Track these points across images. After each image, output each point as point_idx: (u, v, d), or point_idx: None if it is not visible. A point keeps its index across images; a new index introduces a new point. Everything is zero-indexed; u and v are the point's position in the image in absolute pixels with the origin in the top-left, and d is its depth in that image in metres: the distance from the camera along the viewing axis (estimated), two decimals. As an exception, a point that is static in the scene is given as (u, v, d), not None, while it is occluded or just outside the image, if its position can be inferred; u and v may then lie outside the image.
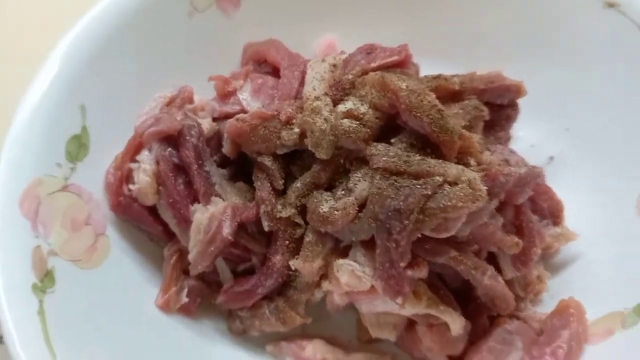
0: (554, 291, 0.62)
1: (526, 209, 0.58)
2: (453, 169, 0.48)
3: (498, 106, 0.61)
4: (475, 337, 0.57)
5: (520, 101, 0.64)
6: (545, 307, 0.61)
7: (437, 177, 0.48)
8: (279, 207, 0.56)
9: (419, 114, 0.48)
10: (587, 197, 0.66)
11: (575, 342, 0.56)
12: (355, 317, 0.61)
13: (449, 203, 0.47)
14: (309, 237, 0.55)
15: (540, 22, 0.68)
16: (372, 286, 0.52)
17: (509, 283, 0.57)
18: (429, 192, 0.47)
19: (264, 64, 0.66)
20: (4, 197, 0.50)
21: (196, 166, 0.56)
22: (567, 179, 0.67)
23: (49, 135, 0.55)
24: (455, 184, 0.48)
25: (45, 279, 0.49)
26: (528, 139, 0.70)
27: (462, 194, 0.47)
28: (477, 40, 0.72)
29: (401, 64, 0.57)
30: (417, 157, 0.49)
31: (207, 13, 0.67)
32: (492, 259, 0.57)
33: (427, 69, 0.63)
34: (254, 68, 0.66)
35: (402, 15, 0.73)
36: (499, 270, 0.57)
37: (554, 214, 0.63)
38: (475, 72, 0.63)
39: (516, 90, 0.61)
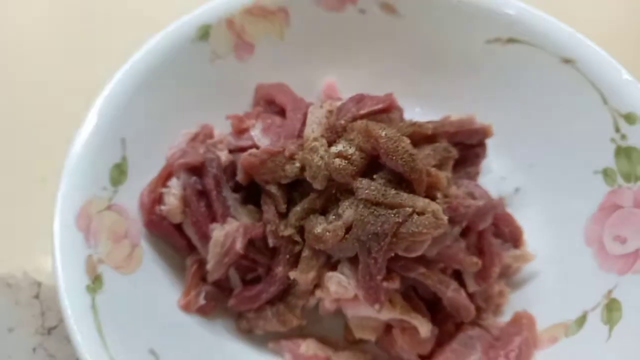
0: (514, 304, 0.69)
1: (488, 234, 0.66)
2: (420, 202, 0.55)
3: (468, 145, 0.70)
4: (442, 340, 0.63)
5: (494, 139, 0.73)
6: (507, 317, 0.66)
7: (408, 208, 0.54)
8: (282, 227, 0.60)
9: (394, 158, 0.55)
10: (544, 224, 0.72)
11: (525, 346, 0.63)
12: (342, 321, 0.65)
13: (416, 229, 0.53)
14: (306, 253, 0.60)
15: (509, 76, 0.76)
16: (356, 294, 0.58)
17: (471, 296, 0.65)
18: (401, 220, 0.54)
19: (273, 104, 0.73)
20: (64, 216, 0.57)
21: (215, 192, 0.61)
22: (529, 207, 0.74)
23: (97, 163, 0.60)
24: (423, 214, 0.54)
25: (96, 281, 0.55)
26: (499, 172, 0.78)
27: (426, 222, 0.53)
28: (458, 84, 0.81)
29: (386, 110, 0.65)
30: (393, 192, 0.55)
31: (226, 59, 0.74)
32: (459, 275, 0.66)
33: (413, 110, 0.73)
34: (264, 107, 0.74)
35: (394, 58, 0.81)
36: (463, 284, 0.66)
37: (514, 238, 0.71)
38: (449, 116, 0.72)
39: (484, 132, 0.70)
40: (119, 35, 0.85)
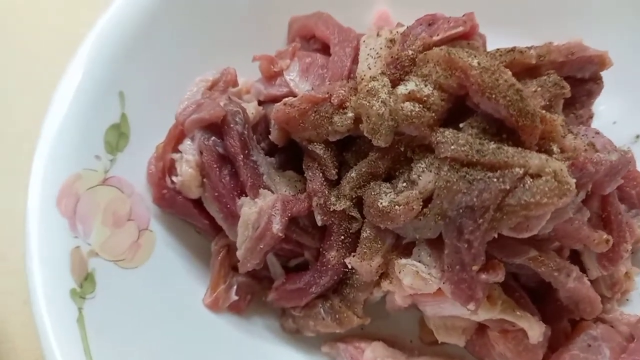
0: (643, 290, 0.57)
1: (614, 198, 0.52)
2: (535, 159, 0.42)
3: (578, 80, 0.55)
4: (555, 343, 0.52)
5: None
6: (634, 307, 0.56)
7: (517, 169, 0.42)
8: (333, 199, 0.52)
9: (493, 96, 0.43)
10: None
11: (672, 350, 0.50)
12: (417, 315, 0.57)
13: (532, 199, 0.41)
14: (367, 233, 0.51)
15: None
16: (439, 289, 0.47)
17: (593, 282, 0.52)
18: (508, 187, 0.42)
19: (313, 39, 0.61)
20: (40, 196, 0.47)
21: (242, 156, 0.52)
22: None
23: (86, 126, 0.52)
24: (539, 176, 0.42)
25: (85, 283, 0.47)
26: (610, 115, 0.64)
27: (546, 188, 0.41)
28: (551, 7, 0.65)
29: (467, 36, 0.51)
30: (492, 145, 0.44)
31: (251, -14, 0.62)
32: (575, 256, 0.52)
33: (494, 40, 0.57)
34: (302, 45, 0.61)
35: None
36: (583, 269, 0.51)
37: (644, 202, 0.56)
38: (551, 42, 0.56)
39: (600, 62, 0.54)
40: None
